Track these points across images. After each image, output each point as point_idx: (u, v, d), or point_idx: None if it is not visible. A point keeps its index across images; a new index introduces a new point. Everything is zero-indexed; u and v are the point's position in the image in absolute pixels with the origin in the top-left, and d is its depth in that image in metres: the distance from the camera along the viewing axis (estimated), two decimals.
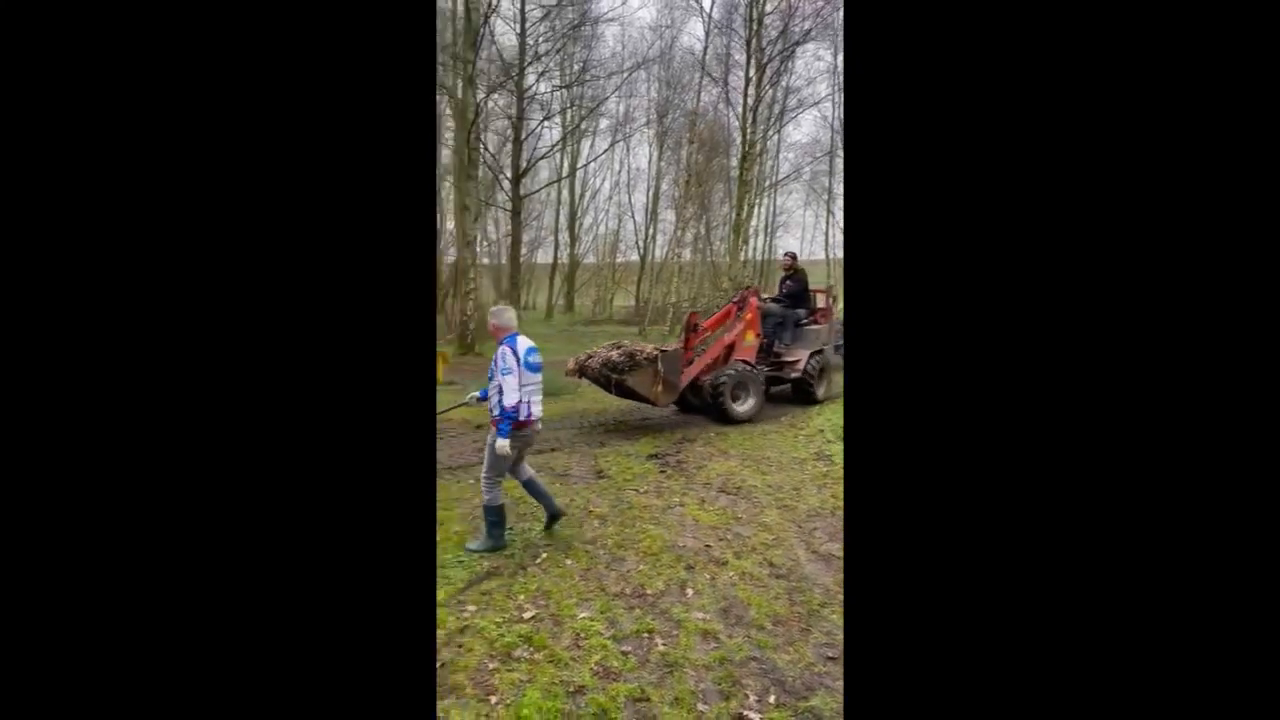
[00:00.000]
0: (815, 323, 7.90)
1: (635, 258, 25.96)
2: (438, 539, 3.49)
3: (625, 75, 17.66)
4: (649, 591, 3.00)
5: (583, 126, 19.41)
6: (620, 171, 27.19)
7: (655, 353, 6.21)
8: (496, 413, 3.29)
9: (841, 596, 2.93)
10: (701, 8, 19.44)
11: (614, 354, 6.26)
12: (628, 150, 24.10)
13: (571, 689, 2.26)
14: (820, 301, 8.23)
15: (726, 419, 6.55)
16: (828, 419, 6.64)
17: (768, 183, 20.99)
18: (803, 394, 7.58)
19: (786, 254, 8.27)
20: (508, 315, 3.48)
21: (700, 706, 2.18)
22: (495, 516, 3.42)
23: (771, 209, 25.18)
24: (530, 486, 3.61)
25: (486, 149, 12.73)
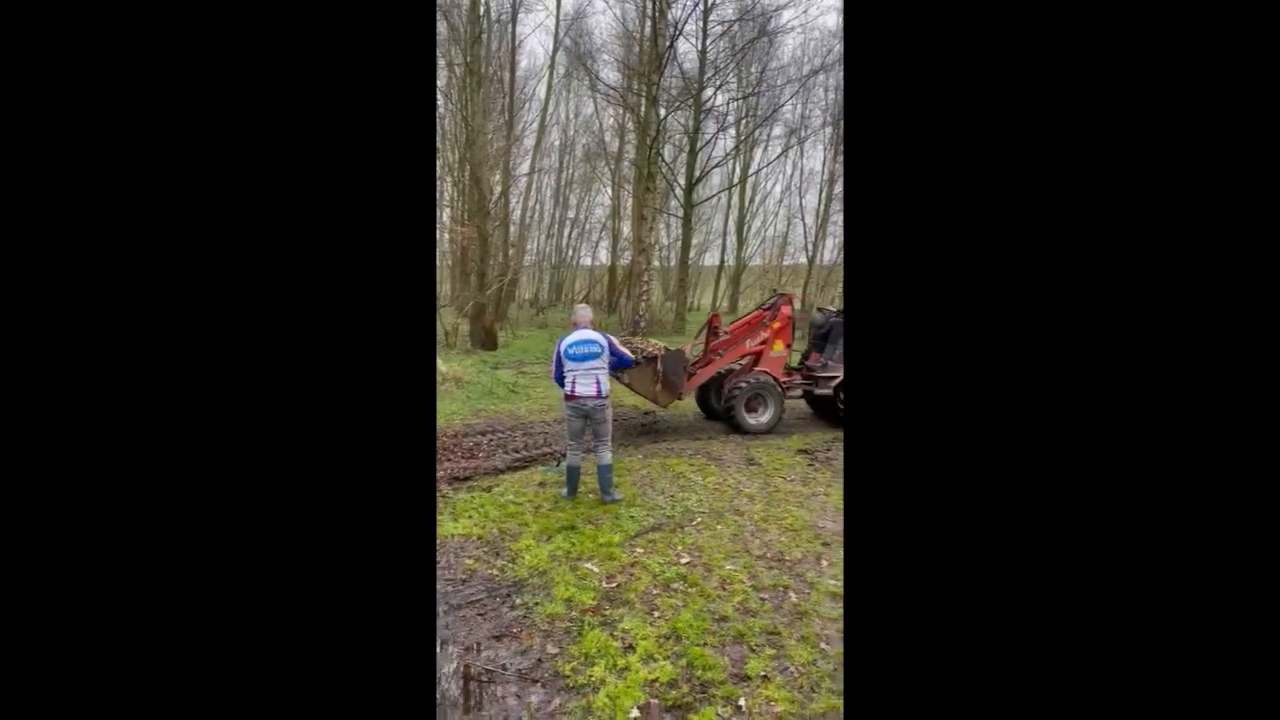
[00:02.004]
0: None
1: (803, 260, 25.65)
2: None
3: (801, 83, 17.71)
4: (787, 558, 3.47)
5: (756, 134, 19.78)
6: (793, 175, 26.91)
7: (656, 351, 6.04)
8: None
9: None
10: None
11: None
12: (801, 153, 23.89)
13: (717, 617, 2.84)
14: None
15: (739, 429, 6.37)
16: None
17: None
18: (831, 414, 6.98)
19: None
20: (576, 314, 4.32)
21: (824, 646, 2.64)
22: (569, 475, 4.32)
23: None
24: (570, 470, 4.31)
25: (664, 160, 13.69)
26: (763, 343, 6.56)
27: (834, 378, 6.82)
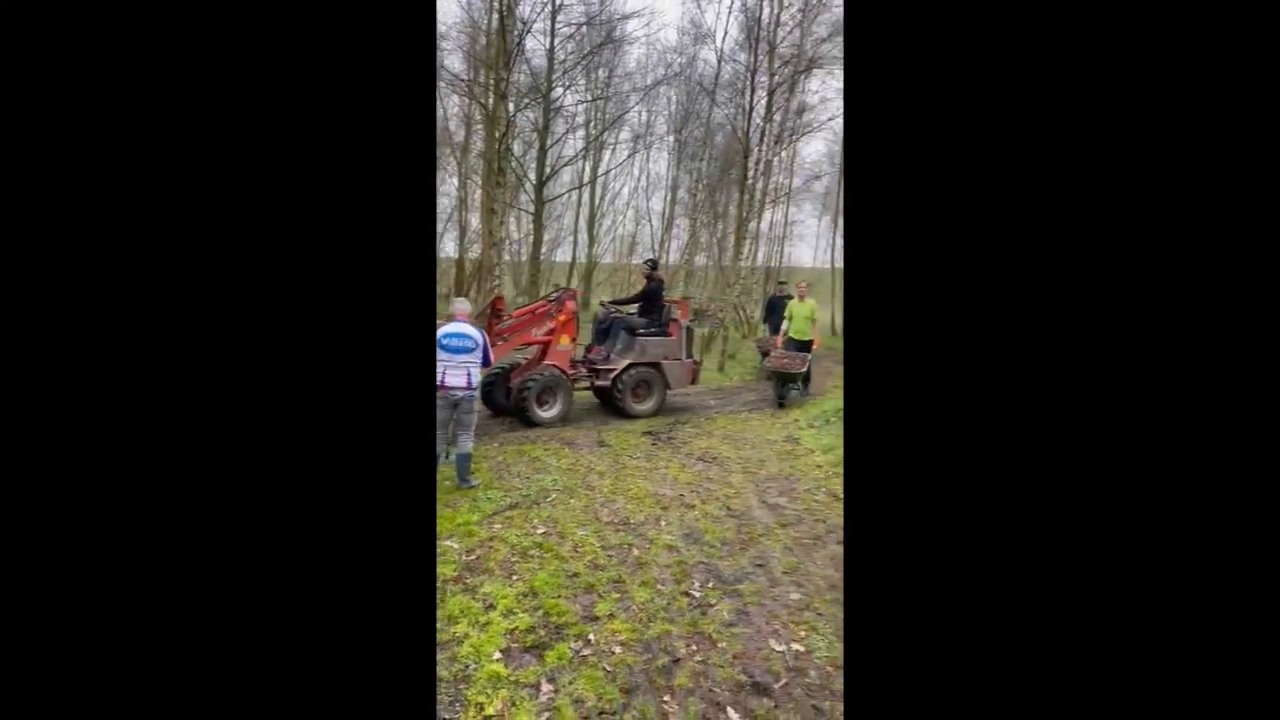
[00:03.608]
0: (662, 334, 7.27)
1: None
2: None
3: (643, 94, 18.64)
4: (632, 521, 3.93)
5: (604, 137, 20.43)
6: (640, 177, 28.05)
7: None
8: None
9: (780, 534, 3.84)
10: (715, 40, 20.13)
11: None
12: (647, 158, 25.02)
13: (570, 574, 3.20)
14: (678, 314, 7.42)
15: (529, 422, 6.38)
16: (805, 410, 7.52)
17: (780, 194, 21.79)
18: (611, 404, 7.14)
19: (646, 261, 7.90)
20: (454, 306, 4.55)
21: (659, 587, 3.11)
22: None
23: (784, 219, 25.97)
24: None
25: (514, 155, 13.72)
26: (549, 333, 6.67)
27: (613, 369, 6.98)
